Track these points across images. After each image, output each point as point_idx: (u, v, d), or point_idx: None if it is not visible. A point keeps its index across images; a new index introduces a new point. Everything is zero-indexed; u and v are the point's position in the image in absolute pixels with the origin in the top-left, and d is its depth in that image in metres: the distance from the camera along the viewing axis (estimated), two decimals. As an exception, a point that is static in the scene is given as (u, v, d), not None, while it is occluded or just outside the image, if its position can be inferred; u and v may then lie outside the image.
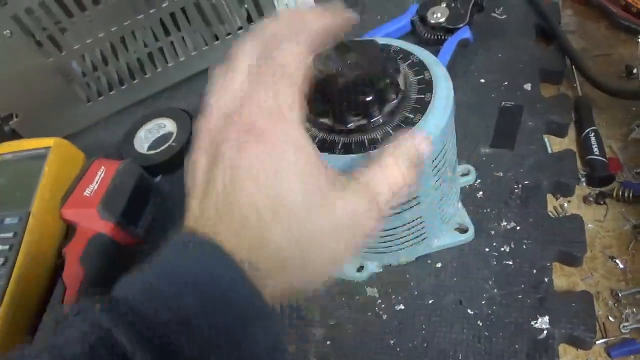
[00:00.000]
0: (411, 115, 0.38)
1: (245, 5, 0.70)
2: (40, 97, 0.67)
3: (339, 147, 0.38)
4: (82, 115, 0.71)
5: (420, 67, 0.41)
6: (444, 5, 0.65)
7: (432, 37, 0.65)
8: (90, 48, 0.66)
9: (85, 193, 0.55)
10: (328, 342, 0.47)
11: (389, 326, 0.46)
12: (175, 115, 0.66)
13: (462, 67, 0.62)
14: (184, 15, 0.68)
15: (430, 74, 0.41)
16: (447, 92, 0.40)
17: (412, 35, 0.68)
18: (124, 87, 0.71)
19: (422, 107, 0.39)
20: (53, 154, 0.59)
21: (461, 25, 0.63)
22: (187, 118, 0.66)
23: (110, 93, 0.71)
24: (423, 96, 0.39)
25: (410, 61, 0.42)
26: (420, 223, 0.44)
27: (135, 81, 0.71)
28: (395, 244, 0.45)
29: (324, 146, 0.38)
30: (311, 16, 0.31)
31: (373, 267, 0.49)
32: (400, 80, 0.40)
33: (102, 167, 0.57)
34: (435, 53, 0.62)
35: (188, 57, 0.72)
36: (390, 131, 0.38)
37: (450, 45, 0.62)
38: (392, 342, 0.45)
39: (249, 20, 0.72)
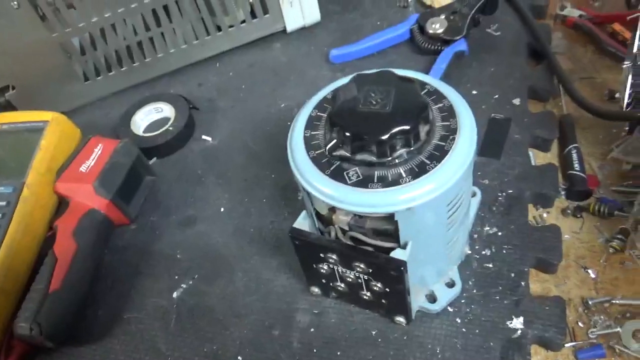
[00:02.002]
0: (427, 161, 0.38)
1: (251, 0, 0.72)
2: (38, 72, 0.68)
3: (350, 176, 0.39)
4: (78, 93, 0.72)
5: (448, 111, 0.41)
6: (443, 17, 0.68)
7: (430, 46, 0.67)
8: (95, 27, 0.67)
9: (81, 169, 0.56)
10: (312, 330, 0.48)
11: (372, 317, 0.48)
12: (174, 101, 0.67)
13: (456, 77, 0.65)
14: (189, 3, 0.69)
15: (456, 122, 0.40)
16: (470, 143, 0.39)
17: (410, 43, 0.70)
18: (123, 69, 0.72)
19: (440, 155, 0.38)
20: (50, 127, 0.60)
21: (458, 37, 0.66)
22: (185, 104, 0.67)
23: (109, 73, 0.72)
24: (444, 144, 0.39)
25: (441, 105, 0.42)
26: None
27: (134, 64, 0.72)
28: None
29: (339, 174, 0.39)
30: None
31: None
32: (425, 127, 0.39)
33: (100, 145, 0.58)
34: (432, 62, 0.65)
35: (190, 45, 0.73)
36: (403, 173, 0.38)
37: (446, 55, 0.65)
38: (374, 332, 0.47)
39: (253, 15, 0.73)
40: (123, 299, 0.54)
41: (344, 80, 0.44)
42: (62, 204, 0.58)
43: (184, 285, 0.53)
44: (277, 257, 0.54)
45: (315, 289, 0.49)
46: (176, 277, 0.54)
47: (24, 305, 0.49)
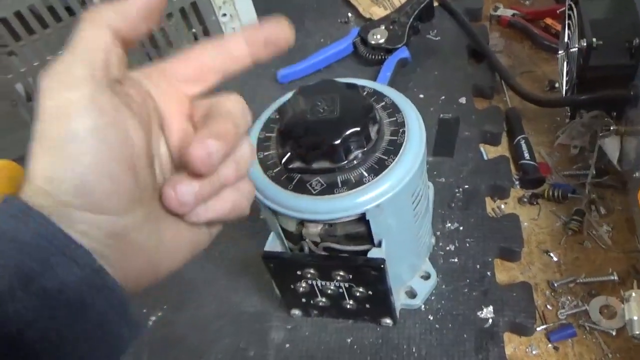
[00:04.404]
0: (385, 157, 0.39)
1: (193, 30, 0.72)
2: (-17, 120, 0.66)
3: (314, 186, 0.39)
4: (27, 138, 0.70)
5: (392, 108, 0.42)
6: (383, 27, 0.70)
7: (373, 57, 0.69)
8: (37, 71, 0.66)
9: (35, 213, 0.55)
10: (287, 345, 0.48)
11: (346, 326, 0.48)
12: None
13: (402, 84, 0.66)
14: (133, 39, 0.69)
15: (402, 116, 0.41)
16: (420, 133, 0.41)
17: (355, 56, 0.72)
18: (71, 110, 0.71)
19: (394, 149, 0.39)
20: None
21: (399, 45, 0.68)
22: (138, 138, 0.66)
23: (57, 116, 0.71)
24: (396, 138, 0.40)
25: (383, 103, 0.43)
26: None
27: (83, 104, 0.71)
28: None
29: (302, 187, 0.39)
30: None
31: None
32: (374, 127, 0.40)
33: (53, 187, 0.57)
34: (377, 72, 0.67)
35: (137, 80, 0.72)
36: (365, 173, 0.39)
37: (390, 64, 0.67)
38: (349, 340, 0.47)
39: (197, 43, 0.73)
40: (91, 341, 0.52)
41: (285, 98, 0.44)
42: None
43: (153, 318, 0.52)
44: (245, 277, 0.53)
45: (296, 312, 0.49)
46: (144, 310, 0.53)
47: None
